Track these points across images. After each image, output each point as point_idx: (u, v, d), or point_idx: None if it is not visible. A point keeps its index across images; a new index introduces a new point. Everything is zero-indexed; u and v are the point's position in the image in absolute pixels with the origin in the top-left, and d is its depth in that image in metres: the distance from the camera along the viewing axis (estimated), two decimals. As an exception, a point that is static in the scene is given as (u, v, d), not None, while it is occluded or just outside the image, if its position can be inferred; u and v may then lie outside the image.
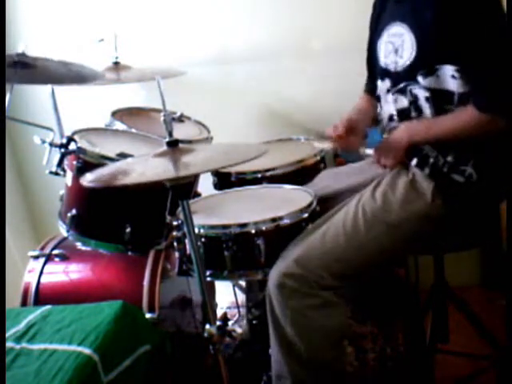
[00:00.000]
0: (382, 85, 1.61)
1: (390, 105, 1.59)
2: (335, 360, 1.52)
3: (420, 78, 1.48)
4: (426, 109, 1.51)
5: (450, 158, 1.47)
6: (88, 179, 1.32)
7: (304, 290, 1.44)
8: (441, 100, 1.48)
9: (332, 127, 1.63)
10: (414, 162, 1.54)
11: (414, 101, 1.52)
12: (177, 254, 1.84)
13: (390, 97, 1.58)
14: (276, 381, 1.54)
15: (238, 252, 1.53)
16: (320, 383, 1.51)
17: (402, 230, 1.48)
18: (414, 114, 1.53)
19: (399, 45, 1.52)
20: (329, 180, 1.82)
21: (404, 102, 1.55)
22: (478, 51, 1.39)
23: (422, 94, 1.50)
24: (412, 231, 1.49)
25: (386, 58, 1.57)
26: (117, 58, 2.25)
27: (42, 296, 1.83)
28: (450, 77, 1.44)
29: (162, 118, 1.37)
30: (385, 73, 1.59)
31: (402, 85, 1.54)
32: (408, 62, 1.50)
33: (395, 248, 1.54)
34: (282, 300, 1.46)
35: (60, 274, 1.89)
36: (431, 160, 1.50)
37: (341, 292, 1.48)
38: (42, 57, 1.85)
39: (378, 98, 1.65)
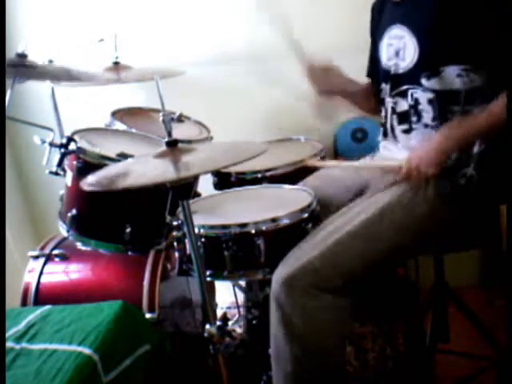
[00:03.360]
0: (386, 87, 1.61)
1: (389, 108, 1.59)
2: (339, 356, 1.51)
3: (423, 80, 1.48)
4: (427, 112, 1.50)
5: (449, 162, 1.47)
6: (88, 182, 1.32)
7: (313, 292, 1.41)
8: (446, 101, 1.47)
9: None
10: None
11: (415, 105, 1.51)
12: (177, 254, 1.84)
13: (390, 100, 1.58)
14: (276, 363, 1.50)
15: (238, 252, 1.53)
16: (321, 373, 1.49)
17: (409, 231, 1.47)
18: (413, 118, 1.53)
19: (401, 47, 1.51)
20: (321, 181, 1.81)
21: (404, 105, 1.55)
22: (489, 45, 1.36)
23: (424, 97, 1.49)
24: (418, 233, 1.49)
25: (388, 61, 1.57)
26: (117, 57, 2.24)
27: (42, 296, 1.83)
28: (455, 76, 1.43)
29: (161, 118, 1.37)
30: (387, 75, 1.59)
31: (403, 88, 1.54)
32: (411, 65, 1.49)
33: (404, 249, 1.54)
34: (292, 297, 1.42)
35: (60, 274, 1.89)
36: None
37: (347, 294, 1.46)
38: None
39: (381, 101, 1.65)
